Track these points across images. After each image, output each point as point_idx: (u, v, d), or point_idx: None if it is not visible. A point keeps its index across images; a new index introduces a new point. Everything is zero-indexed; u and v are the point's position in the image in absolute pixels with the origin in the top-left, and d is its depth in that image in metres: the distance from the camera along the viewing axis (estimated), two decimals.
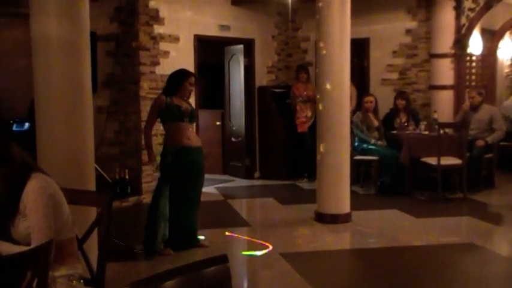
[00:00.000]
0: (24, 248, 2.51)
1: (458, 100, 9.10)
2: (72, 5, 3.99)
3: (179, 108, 5.38)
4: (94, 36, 7.45)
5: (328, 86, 6.49)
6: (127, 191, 7.67)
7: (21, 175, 2.68)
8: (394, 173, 8.03)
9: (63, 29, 3.93)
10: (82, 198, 3.07)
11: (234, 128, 9.77)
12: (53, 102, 3.99)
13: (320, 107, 6.63)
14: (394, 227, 6.54)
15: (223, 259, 1.86)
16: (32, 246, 2.54)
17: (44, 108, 4.03)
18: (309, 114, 9.08)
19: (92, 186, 4.11)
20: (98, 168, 7.61)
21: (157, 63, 7.93)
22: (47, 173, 2.83)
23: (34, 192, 2.65)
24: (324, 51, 6.50)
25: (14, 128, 8.09)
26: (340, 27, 6.47)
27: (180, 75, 5.51)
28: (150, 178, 7.89)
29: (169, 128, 5.46)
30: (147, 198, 7.83)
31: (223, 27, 8.93)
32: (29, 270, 2.03)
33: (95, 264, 3.24)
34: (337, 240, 6.18)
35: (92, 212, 3.56)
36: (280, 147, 9.46)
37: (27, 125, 7.86)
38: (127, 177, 7.62)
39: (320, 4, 6.53)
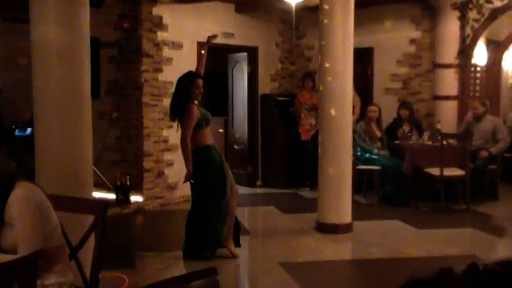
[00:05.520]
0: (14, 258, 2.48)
1: (462, 110, 9.05)
2: (72, 12, 3.98)
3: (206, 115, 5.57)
4: (97, 43, 7.47)
5: (330, 95, 6.47)
6: (128, 197, 7.65)
7: (4, 185, 2.65)
8: (396, 183, 7.98)
9: (63, 36, 3.92)
10: (77, 206, 3.05)
11: (236, 136, 9.75)
12: (52, 109, 3.97)
13: (322, 115, 6.62)
14: (396, 237, 6.50)
15: (212, 272, 1.83)
16: (19, 255, 2.50)
17: (43, 114, 4.02)
18: (313, 122, 9.04)
19: (89, 192, 4.10)
20: (100, 175, 7.64)
21: (160, 70, 7.92)
22: (33, 181, 2.80)
23: (19, 202, 2.62)
24: (327, 61, 6.48)
25: (16, 133, 8.09)
26: (343, 37, 6.46)
27: (185, 81, 5.50)
28: (151, 185, 7.89)
29: (199, 133, 5.49)
30: (148, 205, 7.84)
31: (226, 35, 8.91)
32: (16, 280, 2.00)
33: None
34: (338, 250, 6.14)
35: (89, 220, 3.53)
36: (283, 155, 9.43)
37: (29, 130, 7.85)
38: (128, 183, 7.60)
39: (323, 13, 6.52)
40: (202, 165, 5.47)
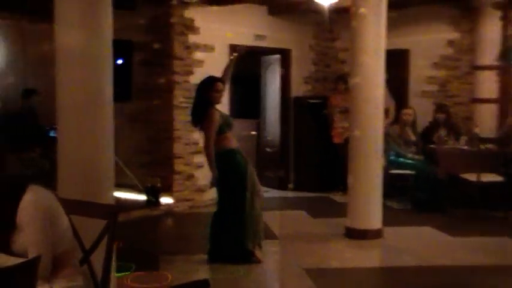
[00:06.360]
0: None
1: (503, 114, 8.77)
2: (95, 16, 3.97)
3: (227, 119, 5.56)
4: (130, 45, 7.55)
5: (361, 98, 6.36)
6: (158, 199, 7.68)
7: (16, 188, 2.65)
8: (430, 188, 7.79)
9: (85, 39, 3.91)
10: (89, 210, 3.03)
11: (268, 138, 9.70)
12: (74, 112, 3.97)
13: (352, 118, 6.52)
14: (428, 245, 6.33)
15: (204, 284, 1.77)
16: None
17: (65, 117, 4.02)
18: (346, 125, 8.90)
19: (110, 196, 4.07)
20: (132, 176, 7.69)
21: (192, 73, 7.92)
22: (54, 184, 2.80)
23: (29, 206, 2.61)
24: (358, 63, 6.37)
25: (52, 134, 8.21)
26: (374, 38, 6.34)
27: (205, 86, 5.48)
28: (181, 187, 7.90)
29: (221, 138, 5.47)
30: (178, 207, 7.84)
31: (259, 37, 8.86)
32: (14, 285, 1.98)
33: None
34: (366, 257, 6.01)
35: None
36: (315, 158, 9.33)
37: None
38: (158, 185, 7.63)
39: (354, 15, 6.41)
40: (227, 169, 5.43)
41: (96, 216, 2.98)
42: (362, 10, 6.33)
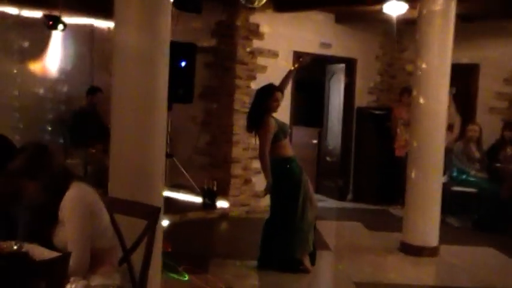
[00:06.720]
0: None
1: None
2: (153, 17, 4.02)
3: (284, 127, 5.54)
4: (194, 48, 7.66)
5: (422, 111, 6.21)
6: (214, 202, 7.73)
7: (60, 184, 2.74)
8: (493, 208, 7.51)
9: (142, 40, 3.97)
10: (131, 210, 3.08)
11: (329, 147, 9.60)
12: (127, 112, 4.02)
13: (413, 132, 6.38)
14: (486, 266, 6.10)
15: None
16: None
17: (119, 116, 4.09)
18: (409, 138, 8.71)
19: (159, 196, 4.12)
20: (189, 178, 7.79)
21: (254, 78, 7.95)
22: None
23: (71, 202, 2.69)
24: (421, 76, 6.22)
25: None
26: (440, 51, 6.17)
27: (265, 93, 5.48)
28: (237, 191, 7.93)
29: (277, 146, 5.47)
30: (234, 212, 7.88)
31: (324, 45, 8.80)
32: (43, 280, 2.04)
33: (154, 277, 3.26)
34: (419, 274, 5.83)
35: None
36: (376, 170, 9.17)
37: None
38: (215, 188, 7.68)
39: (420, 26, 6.27)
40: (281, 177, 5.41)
41: (138, 215, 3.02)
42: (429, 21, 6.18)
